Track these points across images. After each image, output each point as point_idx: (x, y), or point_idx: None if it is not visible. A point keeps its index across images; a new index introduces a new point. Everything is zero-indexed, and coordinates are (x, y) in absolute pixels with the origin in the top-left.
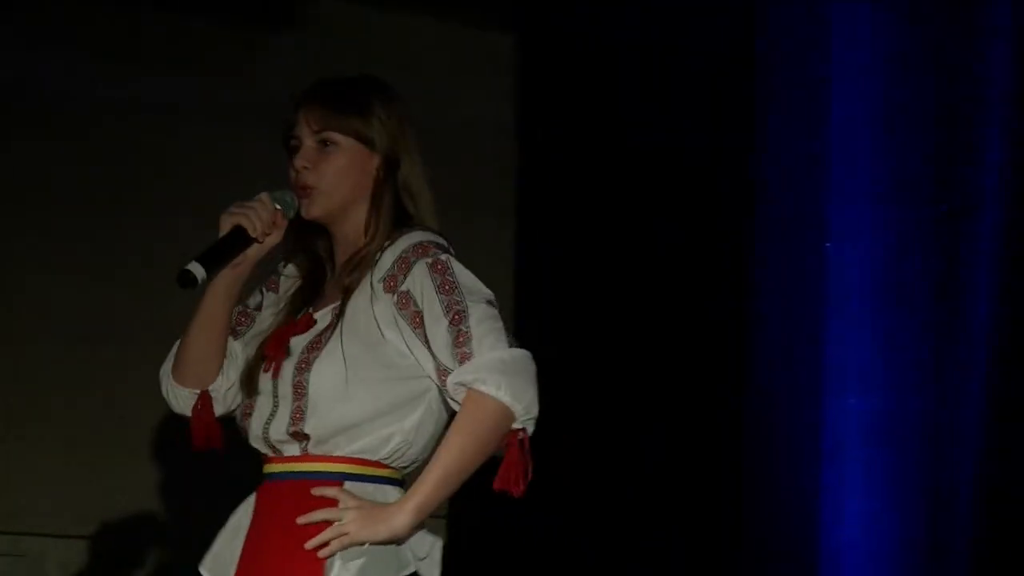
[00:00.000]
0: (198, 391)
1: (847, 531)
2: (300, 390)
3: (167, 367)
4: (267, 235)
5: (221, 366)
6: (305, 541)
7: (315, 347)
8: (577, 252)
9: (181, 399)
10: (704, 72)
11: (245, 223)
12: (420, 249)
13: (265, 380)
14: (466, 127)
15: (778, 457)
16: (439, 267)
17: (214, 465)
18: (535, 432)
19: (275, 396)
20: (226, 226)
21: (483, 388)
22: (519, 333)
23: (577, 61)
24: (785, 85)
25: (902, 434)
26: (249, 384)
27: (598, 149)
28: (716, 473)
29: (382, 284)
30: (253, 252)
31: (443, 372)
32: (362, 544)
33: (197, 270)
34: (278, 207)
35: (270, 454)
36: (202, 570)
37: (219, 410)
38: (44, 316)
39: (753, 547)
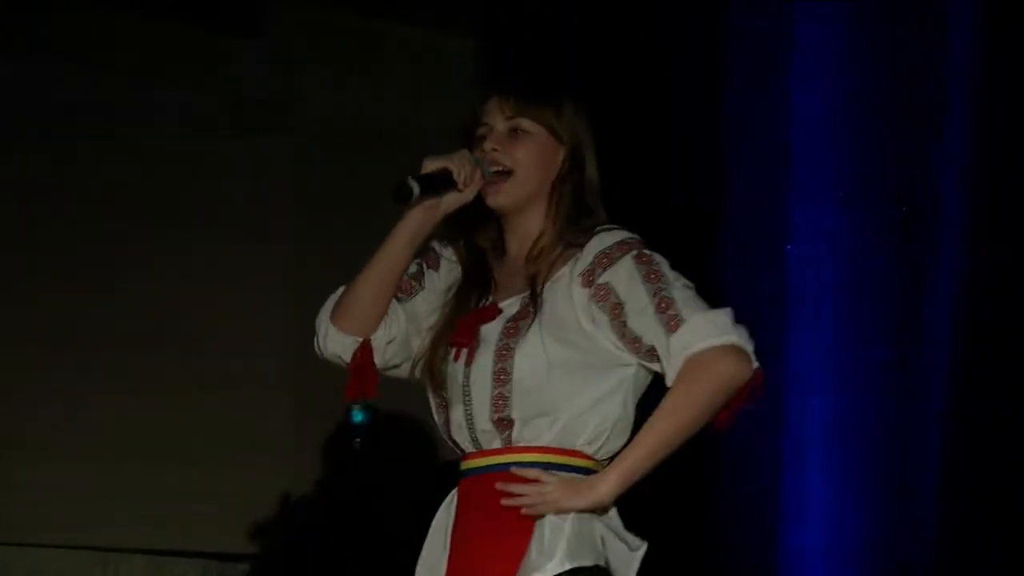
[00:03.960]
0: (360, 339)
1: (808, 532)
2: (503, 377)
3: (324, 314)
4: (467, 186)
5: (384, 317)
6: (508, 521)
7: (512, 334)
8: None
9: (340, 345)
10: (667, 74)
11: (452, 167)
12: (625, 246)
13: (456, 369)
14: (429, 132)
15: (739, 458)
16: (643, 259)
17: (192, 471)
18: None
19: (466, 385)
20: (431, 167)
21: (703, 345)
22: None
23: (536, 66)
24: (747, 86)
25: (863, 434)
26: (434, 375)
27: None
28: (675, 474)
29: (580, 277)
30: (449, 201)
31: (651, 351)
32: (567, 512)
33: (414, 185)
34: (477, 165)
35: (470, 448)
36: None
37: (378, 362)
38: (23, 323)
39: (714, 549)
